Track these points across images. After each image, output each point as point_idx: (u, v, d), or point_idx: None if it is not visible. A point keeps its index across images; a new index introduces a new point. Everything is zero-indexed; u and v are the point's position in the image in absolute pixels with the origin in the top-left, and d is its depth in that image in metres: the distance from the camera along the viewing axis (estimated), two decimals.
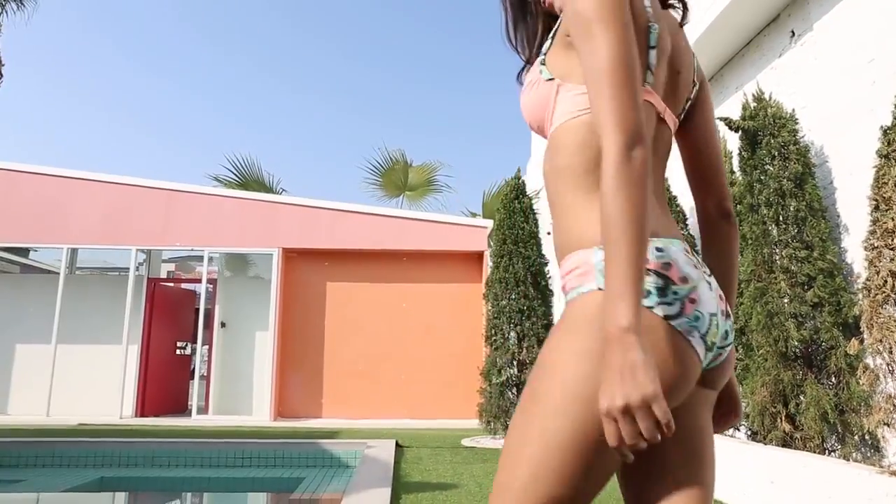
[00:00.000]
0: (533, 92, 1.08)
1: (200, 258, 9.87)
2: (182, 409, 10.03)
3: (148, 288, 9.89)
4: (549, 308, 7.17)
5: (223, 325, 9.87)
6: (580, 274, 0.96)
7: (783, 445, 3.43)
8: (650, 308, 0.90)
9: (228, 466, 6.19)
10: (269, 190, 11.82)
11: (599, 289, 0.91)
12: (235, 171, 11.59)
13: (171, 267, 23.55)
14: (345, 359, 9.70)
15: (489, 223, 9.89)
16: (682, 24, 1.17)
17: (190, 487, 5.79)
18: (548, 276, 7.26)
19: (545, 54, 1.08)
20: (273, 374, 9.32)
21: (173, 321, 10.41)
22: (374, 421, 9.32)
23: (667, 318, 0.90)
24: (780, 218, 3.48)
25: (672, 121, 1.09)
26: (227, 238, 9.70)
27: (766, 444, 3.50)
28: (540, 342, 7.01)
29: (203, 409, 9.55)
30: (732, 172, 4.46)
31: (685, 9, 1.19)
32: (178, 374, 10.33)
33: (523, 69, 1.26)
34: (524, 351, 6.95)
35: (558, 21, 1.08)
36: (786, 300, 3.40)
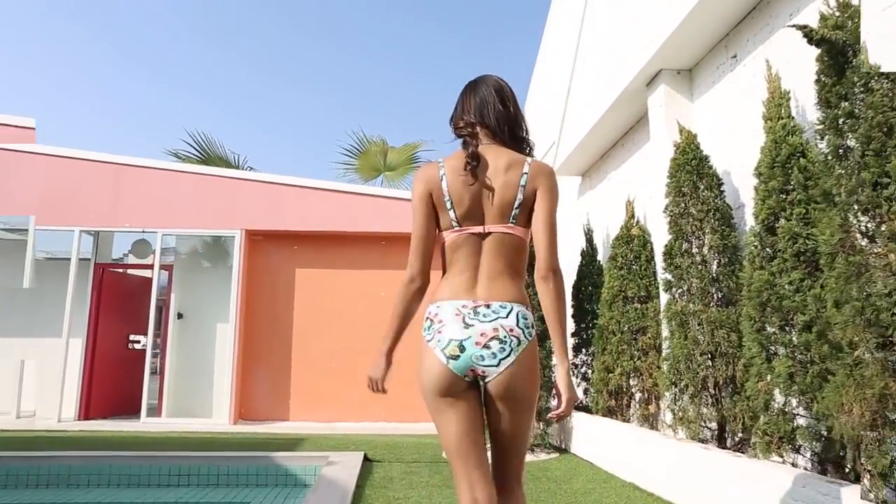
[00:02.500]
0: None
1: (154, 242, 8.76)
2: (135, 411, 8.90)
3: (95, 274, 8.78)
4: None
5: (180, 316, 8.79)
6: None
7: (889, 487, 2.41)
8: (424, 337, 1.88)
9: (161, 486, 5.12)
10: (233, 167, 10.70)
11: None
12: (197, 147, 10.45)
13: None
14: (316, 354, 8.64)
15: None
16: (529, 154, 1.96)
17: None
18: None
19: None
20: (234, 372, 8.26)
21: (126, 312, 9.27)
22: (348, 424, 8.29)
23: (427, 341, 1.85)
24: (887, 166, 2.44)
25: (494, 227, 1.86)
26: (183, 218, 8.59)
27: (859, 484, 2.48)
28: (539, 338, 5.96)
29: (155, 411, 8.46)
30: (790, 117, 3.42)
31: (528, 149, 1.99)
32: (129, 371, 9.19)
33: None
34: None
35: None
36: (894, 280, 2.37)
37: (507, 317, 1.78)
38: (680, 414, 4.07)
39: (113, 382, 8.90)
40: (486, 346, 1.75)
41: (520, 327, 1.79)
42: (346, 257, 8.94)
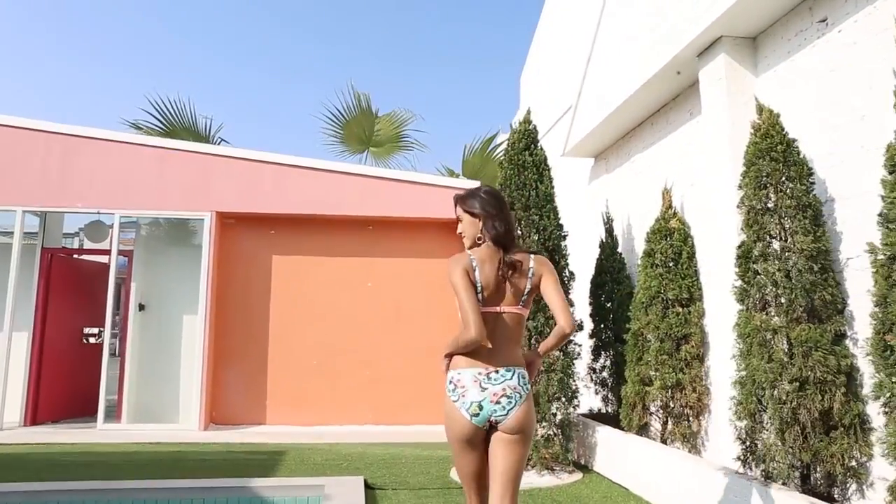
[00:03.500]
0: None
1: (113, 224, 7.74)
2: (91, 413, 7.93)
3: (43, 261, 7.73)
4: (568, 296, 5.39)
5: (141, 307, 7.81)
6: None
7: None
8: (450, 398, 2.41)
9: None
10: (204, 139, 9.65)
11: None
12: (161, 116, 9.36)
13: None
14: (295, 350, 7.81)
15: (474, 185, 8.04)
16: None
17: None
18: (566, 253, 5.47)
19: None
20: (204, 370, 7.36)
21: (80, 302, 8.27)
22: (332, 428, 7.51)
23: (453, 401, 2.39)
24: None
25: (507, 308, 2.46)
26: (145, 198, 7.59)
27: None
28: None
29: (114, 416, 7.53)
30: None
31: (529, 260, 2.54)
32: (85, 368, 8.20)
33: None
34: None
35: None
36: None
37: (511, 378, 2.39)
38: (763, 450, 3.40)
39: (65, 382, 7.93)
40: (498, 402, 2.35)
41: (520, 385, 2.40)
42: (327, 243, 8.09)
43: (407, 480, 4.89)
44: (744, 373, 3.57)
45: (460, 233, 2.68)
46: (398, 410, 7.73)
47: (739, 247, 3.67)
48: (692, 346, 4.77)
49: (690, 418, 4.83)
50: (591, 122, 6.56)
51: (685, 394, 4.73)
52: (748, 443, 3.55)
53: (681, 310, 4.85)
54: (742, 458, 3.61)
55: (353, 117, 10.16)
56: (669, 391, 4.79)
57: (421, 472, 5.17)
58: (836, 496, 3.38)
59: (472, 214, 2.60)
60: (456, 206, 2.71)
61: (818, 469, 3.37)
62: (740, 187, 3.71)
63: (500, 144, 10.22)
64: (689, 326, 4.79)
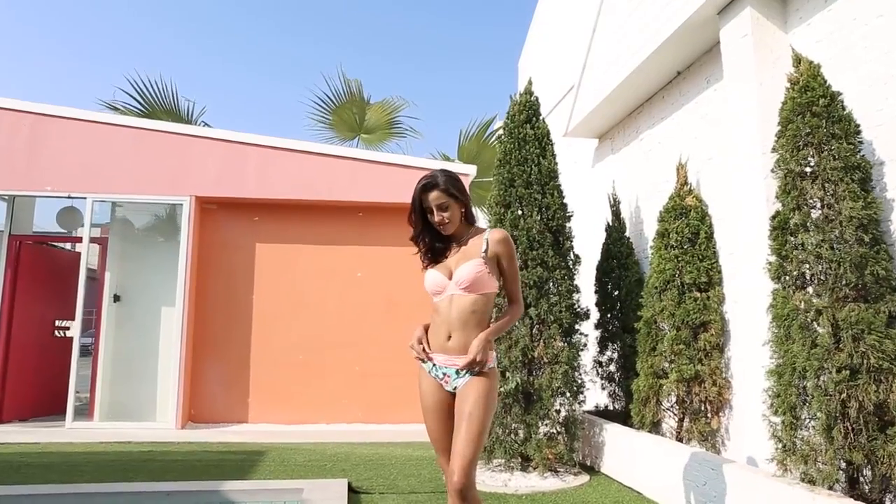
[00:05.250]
0: (479, 271, 2.45)
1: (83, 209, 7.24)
2: (63, 409, 7.43)
3: (10, 248, 7.24)
4: (573, 282, 4.94)
5: (116, 298, 7.32)
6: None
7: None
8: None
9: None
10: (186, 122, 9.16)
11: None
12: (140, 98, 8.87)
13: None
14: (280, 344, 7.33)
15: (470, 170, 7.59)
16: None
17: None
18: (571, 235, 5.01)
19: (483, 255, 2.47)
20: (182, 365, 6.88)
21: (52, 293, 7.77)
22: (318, 426, 7.04)
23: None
24: None
25: None
26: (120, 182, 7.10)
27: None
28: (564, 331, 4.77)
29: (86, 413, 7.04)
30: None
31: None
32: (57, 363, 7.70)
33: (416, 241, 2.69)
34: (540, 345, 4.71)
35: (486, 244, 2.47)
36: None
37: None
38: (805, 449, 2.94)
39: (34, 377, 7.43)
40: None
41: None
42: (314, 230, 7.62)
43: (396, 483, 4.43)
44: (780, 361, 3.11)
45: (441, 221, 2.46)
46: (389, 408, 7.26)
47: (774, 217, 3.21)
48: (712, 335, 4.32)
49: (709, 414, 4.38)
50: (595, 97, 6.11)
51: (704, 387, 4.28)
52: (786, 441, 3.09)
53: (699, 295, 4.40)
54: (778, 458, 3.15)
55: (343, 103, 9.70)
56: (686, 384, 4.33)
57: (411, 473, 4.70)
58: (888, 503, 2.93)
59: (459, 201, 2.49)
60: (434, 190, 2.42)
61: (870, 471, 2.92)
62: (774, 150, 3.25)
63: (497, 129, 9.77)
64: (709, 313, 4.34)
